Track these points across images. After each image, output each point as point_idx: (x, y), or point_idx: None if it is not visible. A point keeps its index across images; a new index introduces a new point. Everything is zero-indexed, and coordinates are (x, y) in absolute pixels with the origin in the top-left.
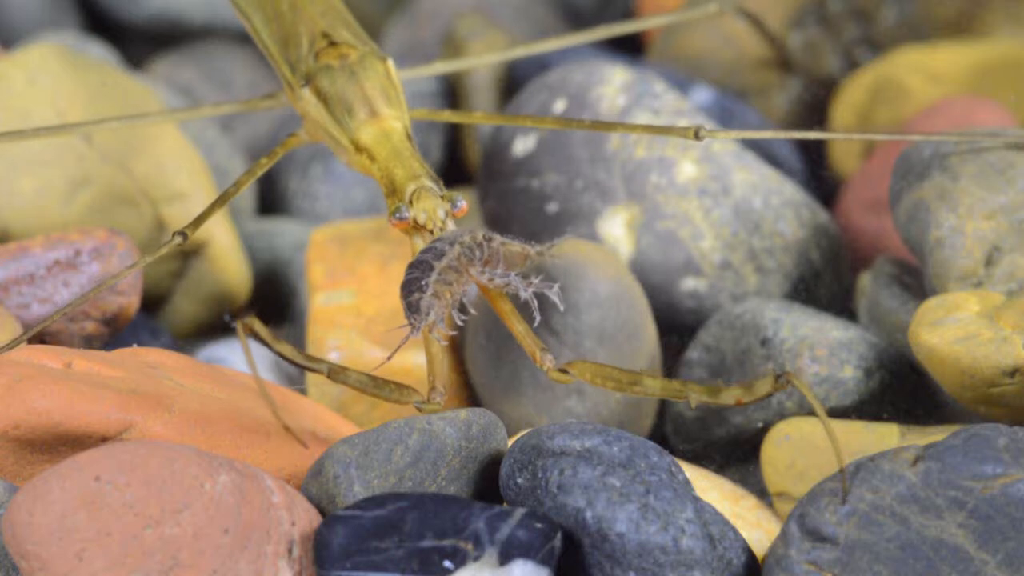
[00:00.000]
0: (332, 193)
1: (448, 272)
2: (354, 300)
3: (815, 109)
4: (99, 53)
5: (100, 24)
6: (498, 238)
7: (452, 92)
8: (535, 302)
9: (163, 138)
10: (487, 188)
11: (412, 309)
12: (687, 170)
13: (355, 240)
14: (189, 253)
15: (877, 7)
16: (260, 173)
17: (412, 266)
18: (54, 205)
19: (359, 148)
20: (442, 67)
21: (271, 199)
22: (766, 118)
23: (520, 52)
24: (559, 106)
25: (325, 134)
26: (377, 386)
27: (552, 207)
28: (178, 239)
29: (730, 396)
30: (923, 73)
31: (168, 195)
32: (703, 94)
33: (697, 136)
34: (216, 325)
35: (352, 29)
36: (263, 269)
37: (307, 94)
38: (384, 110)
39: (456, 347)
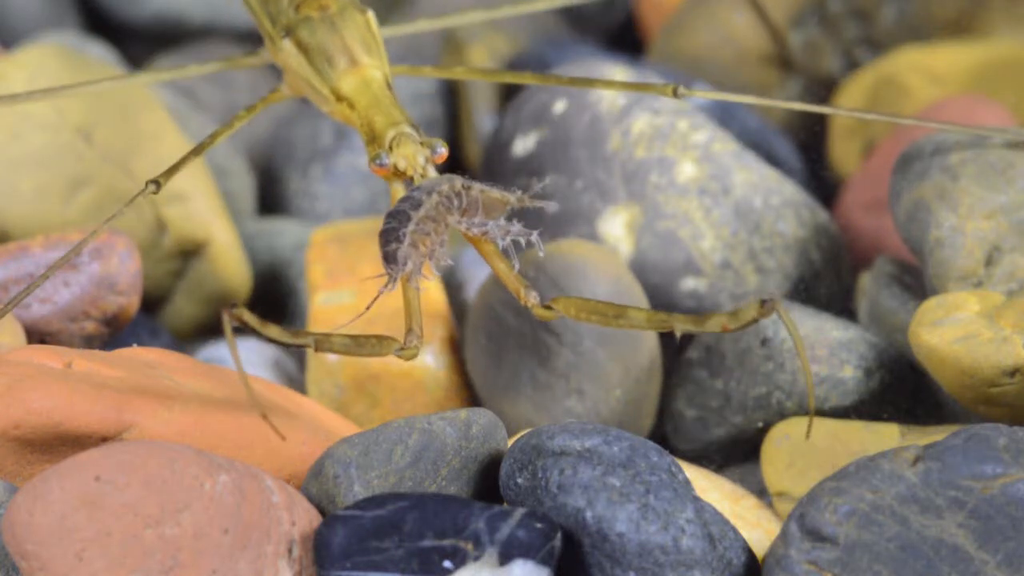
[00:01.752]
0: (332, 193)
1: (426, 222)
2: (354, 300)
3: None
4: (99, 53)
5: (100, 24)
6: (477, 186)
7: (452, 92)
8: (514, 249)
9: (163, 138)
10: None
11: (389, 259)
12: (687, 170)
13: (355, 240)
14: (189, 253)
15: (877, 7)
16: (238, 126)
17: (390, 215)
18: (54, 205)
19: (340, 97)
20: (425, 24)
21: (271, 199)
22: (766, 118)
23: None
24: (559, 106)
25: (306, 85)
26: (359, 344)
27: (552, 207)
28: (151, 187)
29: (716, 323)
30: (923, 73)
31: (168, 195)
32: None
33: (675, 94)
34: (216, 325)
35: None
36: (263, 269)
37: (288, 46)
38: (364, 59)
39: (456, 347)
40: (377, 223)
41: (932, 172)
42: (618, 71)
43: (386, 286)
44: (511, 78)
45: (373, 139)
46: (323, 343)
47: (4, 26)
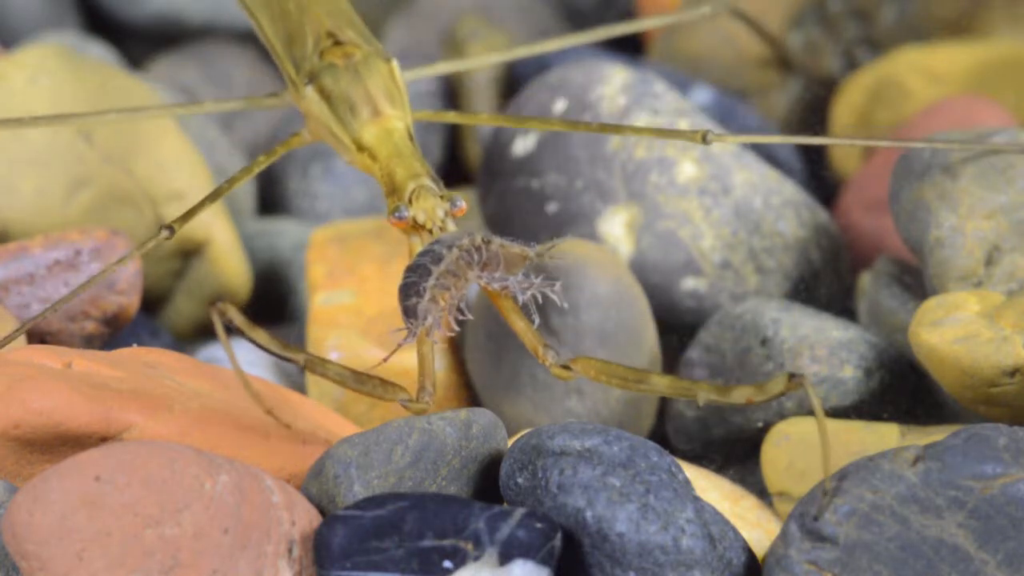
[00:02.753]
0: (332, 193)
1: (446, 276)
2: (354, 300)
3: (815, 109)
4: (99, 53)
5: (100, 24)
6: (497, 240)
7: (452, 92)
8: (533, 304)
9: (163, 138)
10: (487, 188)
11: (409, 313)
12: (687, 170)
13: (355, 240)
14: (189, 253)
15: (877, 7)
16: (257, 171)
17: (410, 269)
18: (54, 205)
19: (361, 147)
20: (444, 67)
21: (271, 199)
22: (766, 118)
23: (522, 52)
24: (559, 106)
25: (328, 133)
26: (359, 381)
27: (552, 207)
28: (165, 233)
29: (741, 395)
30: (923, 73)
31: (168, 195)
32: (703, 94)
33: (705, 140)
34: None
35: (357, 29)
36: (263, 269)
37: (310, 92)
38: (387, 110)
39: (456, 347)
40: (377, 223)
41: (932, 172)
42: (618, 71)
43: (405, 340)
44: (537, 124)
45: (393, 191)
46: (316, 365)
47: (4, 26)
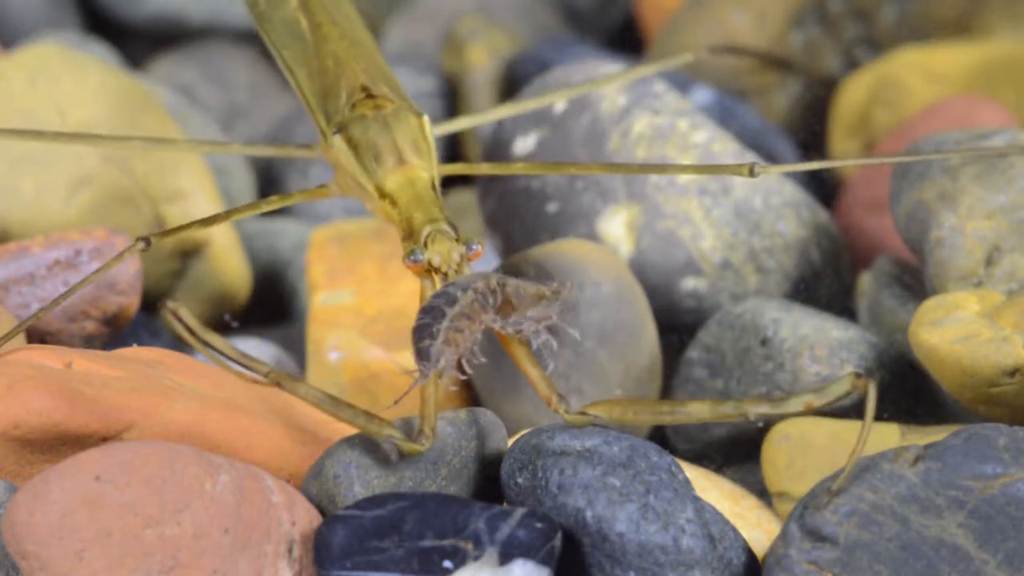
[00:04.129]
0: None
1: (461, 319)
2: (354, 300)
3: (815, 109)
4: (99, 53)
5: (100, 24)
6: (512, 282)
7: (452, 92)
8: (549, 348)
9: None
10: (487, 188)
11: (422, 356)
12: None
13: (355, 240)
14: (189, 253)
15: (877, 7)
16: (267, 209)
17: (424, 311)
18: (54, 205)
19: (383, 194)
20: (466, 122)
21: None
22: (766, 118)
23: (531, 105)
24: (559, 106)
25: (353, 182)
26: (337, 407)
27: (552, 207)
28: (140, 245)
29: (798, 404)
30: (923, 73)
31: (168, 195)
32: (703, 94)
33: (752, 173)
34: (216, 325)
35: (392, 85)
36: (263, 269)
37: (338, 142)
38: (412, 159)
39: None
40: (377, 223)
41: (932, 172)
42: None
43: (417, 381)
44: (575, 169)
45: (410, 235)
46: (286, 382)
47: (4, 26)
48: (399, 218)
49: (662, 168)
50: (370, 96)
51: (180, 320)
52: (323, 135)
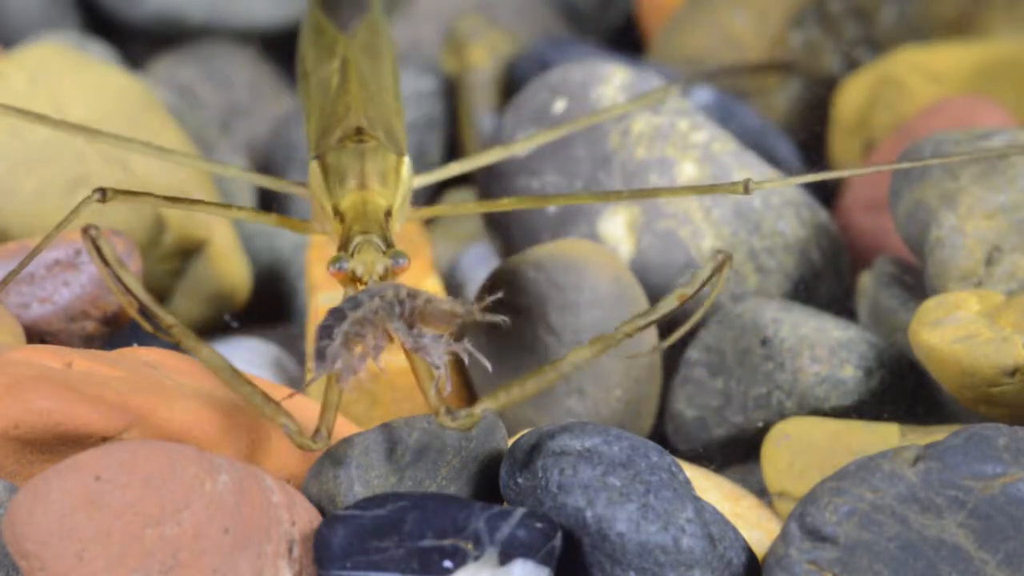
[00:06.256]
0: None
1: (362, 324)
2: None
3: (815, 109)
4: (99, 53)
5: (100, 24)
6: (424, 295)
7: (452, 92)
8: (446, 369)
9: (163, 137)
10: (487, 188)
11: (319, 355)
12: (687, 170)
13: None
14: (189, 252)
15: (877, 7)
16: (237, 216)
17: (330, 313)
18: (54, 205)
19: (336, 211)
20: (457, 168)
21: (271, 199)
22: (766, 118)
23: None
24: (559, 106)
25: (318, 206)
26: (237, 381)
27: (552, 207)
28: (96, 196)
29: (671, 300)
30: (923, 73)
31: (168, 194)
32: (703, 94)
33: (746, 190)
34: (216, 325)
35: (389, 132)
36: (263, 269)
37: (314, 166)
38: (374, 187)
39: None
40: None
41: (932, 172)
42: (618, 71)
43: (310, 381)
44: (564, 200)
45: (342, 246)
46: (185, 338)
47: (4, 26)
48: (340, 232)
49: (655, 192)
50: (359, 134)
51: (97, 248)
52: (320, 206)
